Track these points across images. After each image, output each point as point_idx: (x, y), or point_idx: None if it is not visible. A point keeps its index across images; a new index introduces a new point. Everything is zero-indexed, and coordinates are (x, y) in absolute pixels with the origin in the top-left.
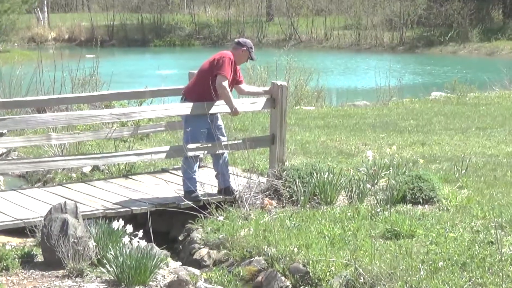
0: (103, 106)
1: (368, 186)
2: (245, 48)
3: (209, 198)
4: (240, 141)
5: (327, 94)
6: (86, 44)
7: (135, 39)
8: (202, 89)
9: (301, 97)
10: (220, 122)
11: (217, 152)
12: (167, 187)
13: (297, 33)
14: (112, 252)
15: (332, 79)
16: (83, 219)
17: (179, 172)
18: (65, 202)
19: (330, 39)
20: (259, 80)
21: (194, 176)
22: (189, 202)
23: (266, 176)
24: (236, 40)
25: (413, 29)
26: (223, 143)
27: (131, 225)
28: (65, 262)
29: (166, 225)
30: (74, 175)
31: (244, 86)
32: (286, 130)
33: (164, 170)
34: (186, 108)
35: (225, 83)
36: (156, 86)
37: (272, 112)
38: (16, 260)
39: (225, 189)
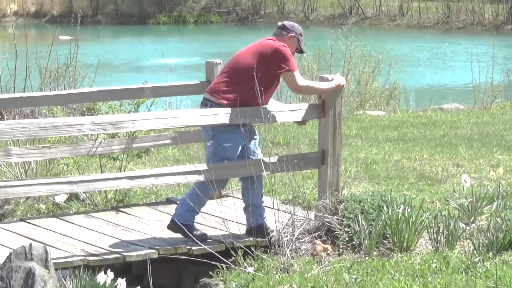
0: (84, 109)
1: (462, 225)
2: (292, 34)
3: (234, 241)
4: (275, 160)
5: (402, 93)
6: (61, 21)
7: (130, 14)
8: (248, 92)
9: (365, 98)
10: (255, 133)
11: (249, 176)
12: None
13: (359, 5)
14: None
15: (410, 72)
16: (56, 269)
17: None
18: (30, 245)
19: (407, 15)
20: (307, 73)
21: (198, 211)
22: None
23: (315, 209)
24: (280, 23)
25: None
26: (256, 164)
27: (124, 278)
28: None
29: (172, 279)
30: (42, 206)
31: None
32: (341, 144)
33: (170, 201)
34: (199, 116)
35: (301, 79)
36: (159, 81)
37: (322, 120)
38: None
39: (258, 228)
